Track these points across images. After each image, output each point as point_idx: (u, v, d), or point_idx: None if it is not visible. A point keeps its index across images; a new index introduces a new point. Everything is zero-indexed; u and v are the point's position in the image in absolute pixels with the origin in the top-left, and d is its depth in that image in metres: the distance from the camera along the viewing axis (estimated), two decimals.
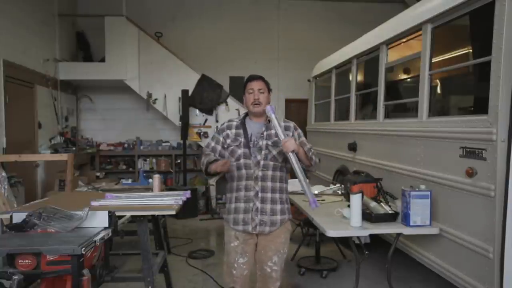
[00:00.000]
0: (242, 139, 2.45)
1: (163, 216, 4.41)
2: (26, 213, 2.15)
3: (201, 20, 8.30)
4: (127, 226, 3.13)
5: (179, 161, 7.79)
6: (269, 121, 2.38)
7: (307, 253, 4.45)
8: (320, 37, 8.29)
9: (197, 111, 7.37)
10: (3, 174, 4.25)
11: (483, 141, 2.52)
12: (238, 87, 7.70)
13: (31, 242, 1.95)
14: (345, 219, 2.94)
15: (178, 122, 7.27)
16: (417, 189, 2.84)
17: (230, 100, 7.45)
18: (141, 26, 7.26)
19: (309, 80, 6.66)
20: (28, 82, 5.83)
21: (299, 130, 2.57)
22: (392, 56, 3.98)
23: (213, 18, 8.33)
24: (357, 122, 4.75)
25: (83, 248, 1.87)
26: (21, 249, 1.87)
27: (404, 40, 3.76)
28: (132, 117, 8.19)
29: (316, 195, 3.79)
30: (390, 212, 2.95)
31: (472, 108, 3.23)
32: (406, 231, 2.84)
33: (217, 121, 7.33)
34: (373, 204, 3.00)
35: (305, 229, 4.72)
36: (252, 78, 2.49)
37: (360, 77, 4.92)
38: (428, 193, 2.83)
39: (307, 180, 2.36)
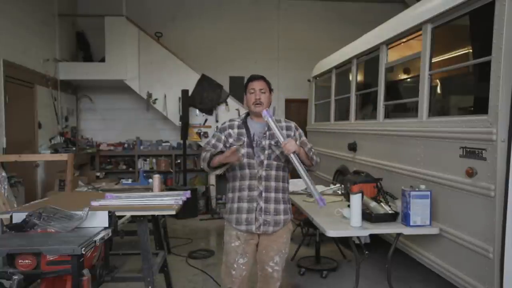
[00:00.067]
0: (245, 139, 2.44)
1: (163, 216, 4.41)
2: (26, 213, 2.16)
3: (201, 20, 8.30)
4: (127, 226, 3.13)
5: (179, 161, 7.79)
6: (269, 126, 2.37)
7: (307, 253, 4.45)
8: (320, 37, 8.29)
9: (197, 111, 7.37)
10: (3, 174, 4.25)
11: (483, 141, 2.52)
12: (238, 87, 7.76)
13: (31, 242, 1.95)
14: (345, 219, 2.94)
15: (178, 122, 7.27)
16: (417, 189, 2.84)
17: (230, 100, 7.45)
18: (141, 26, 7.26)
19: (309, 80, 6.66)
20: (28, 82, 5.83)
21: (300, 130, 2.57)
22: (392, 56, 3.98)
23: (213, 18, 8.33)
24: (357, 122, 4.75)
25: (83, 248, 1.87)
26: (21, 249, 1.87)
27: (404, 40, 3.76)
28: (132, 117, 8.18)
29: None
30: (390, 212, 2.95)
31: (472, 108, 3.23)
32: (406, 231, 2.84)
33: (217, 121, 7.32)
34: (373, 204, 3.00)
35: (305, 229, 4.73)
36: (254, 78, 2.49)
37: (360, 77, 4.92)
38: (428, 193, 2.83)
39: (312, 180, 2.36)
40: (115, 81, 7.13)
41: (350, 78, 4.96)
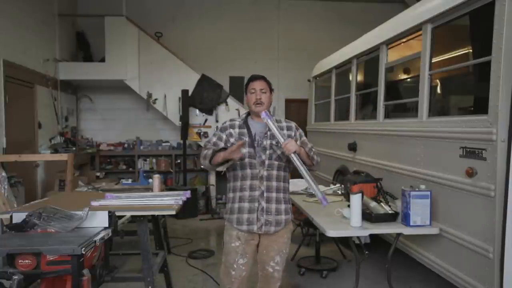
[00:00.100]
0: (246, 139, 2.44)
1: (163, 216, 4.41)
2: (26, 213, 2.16)
3: (201, 20, 8.30)
4: (127, 226, 3.13)
5: (179, 161, 7.78)
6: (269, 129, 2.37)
7: (307, 253, 4.45)
8: (320, 37, 8.28)
9: (197, 111, 7.36)
10: (3, 174, 4.25)
11: (483, 141, 2.52)
12: (238, 87, 7.76)
13: (31, 242, 1.95)
14: (345, 219, 2.94)
15: (178, 122, 7.27)
16: (417, 189, 2.84)
17: (230, 100, 7.45)
18: (141, 26, 7.25)
19: (309, 80, 6.66)
20: (28, 82, 5.83)
21: (300, 130, 2.58)
22: (392, 56, 3.98)
23: (213, 18, 8.33)
24: (357, 122, 4.75)
25: (83, 248, 1.87)
26: (21, 249, 1.87)
27: (404, 40, 3.76)
28: (132, 117, 8.18)
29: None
30: (390, 212, 2.95)
31: (472, 108, 3.23)
32: (406, 231, 2.84)
33: (217, 121, 7.32)
34: (373, 204, 3.00)
35: (305, 229, 4.73)
36: (254, 78, 2.49)
37: (360, 77, 4.92)
38: (428, 193, 2.82)
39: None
40: (115, 81, 7.13)
41: (350, 78, 4.96)
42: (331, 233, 2.76)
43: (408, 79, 4.39)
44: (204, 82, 7.32)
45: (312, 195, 3.86)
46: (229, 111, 7.33)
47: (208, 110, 7.38)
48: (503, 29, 2.36)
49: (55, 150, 6.04)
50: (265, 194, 2.40)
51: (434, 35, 3.19)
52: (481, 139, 2.54)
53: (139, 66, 7.16)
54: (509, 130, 2.32)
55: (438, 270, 3.02)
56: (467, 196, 2.67)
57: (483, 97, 2.57)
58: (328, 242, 4.58)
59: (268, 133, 2.43)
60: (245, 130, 2.46)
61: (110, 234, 2.20)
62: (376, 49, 4.13)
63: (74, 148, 6.54)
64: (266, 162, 2.41)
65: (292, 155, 2.26)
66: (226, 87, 7.73)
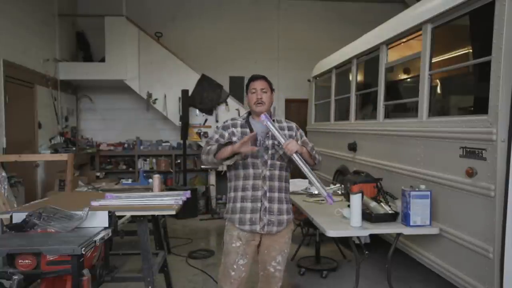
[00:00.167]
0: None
1: (163, 216, 4.41)
2: (26, 213, 2.16)
3: (201, 20, 8.30)
4: (127, 226, 3.13)
5: (179, 161, 7.78)
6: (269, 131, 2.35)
7: (307, 253, 4.45)
8: (320, 37, 8.28)
9: (197, 111, 7.37)
10: (3, 174, 4.25)
11: (483, 141, 2.52)
12: (238, 87, 7.77)
13: (31, 242, 1.95)
14: (345, 219, 2.94)
15: (178, 122, 7.27)
16: (417, 189, 2.84)
17: (230, 100, 7.45)
18: (141, 26, 7.26)
19: (309, 80, 6.66)
20: (28, 82, 5.83)
21: (301, 131, 2.58)
22: (392, 56, 3.98)
23: (213, 18, 8.33)
24: (357, 122, 4.75)
25: (83, 248, 1.87)
26: (21, 249, 1.87)
27: (404, 40, 3.76)
28: (132, 117, 8.18)
29: (316, 195, 3.81)
30: (390, 212, 2.95)
31: (472, 108, 3.23)
32: (406, 231, 2.84)
33: (217, 121, 7.32)
34: (373, 204, 3.00)
35: (305, 229, 4.73)
36: (255, 77, 2.49)
37: (360, 77, 4.92)
38: (428, 193, 2.82)
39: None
40: (115, 81, 7.13)
41: (350, 78, 4.96)
42: (331, 233, 2.76)
43: (408, 79, 4.39)
44: (204, 82, 7.33)
45: (312, 195, 3.86)
46: (229, 111, 7.32)
47: (208, 110, 7.39)
48: (503, 29, 2.36)
49: (55, 150, 6.04)
50: (267, 194, 2.40)
51: (434, 35, 3.19)
52: (481, 139, 2.54)
53: (139, 66, 7.16)
54: (509, 130, 2.32)
55: (438, 270, 3.02)
56: (467, 196, 2.67)
57: (483, 97, 2.57)
58: (328, 242, 4.58)
59: (270, 133, 2.42)
60: (247, 130, 2.45)
61: (110, 234, 2.20)
62: (376, 49, 4.13)
63: (74, 148, 6.54)
64: (269, 162, 2.41)
65: (294, 155, 2.26)
66: (226, 87, 7.73)
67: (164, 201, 2.89)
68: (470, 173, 2.61)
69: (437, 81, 3.85)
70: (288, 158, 2.42)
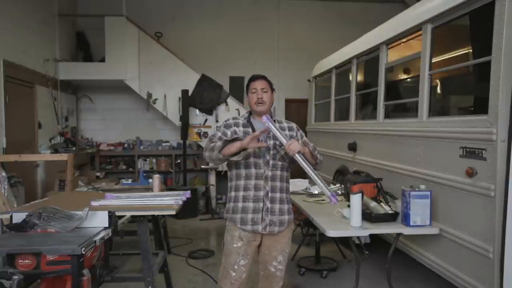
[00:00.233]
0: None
1: (163, 216, 4.41)
2: (26, 213, 2.16)
3: (201, 20, 8.30)
4: (127, 226, 3.13)
5: (179, 161, 7.78)
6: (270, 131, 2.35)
7: (307, 253, 4.45)
8: (320, 37, 8.28)
9: (197, 111, 7.37)
10: (3, 174, 4.25)
11: (483, 141, 2.52)
12: (238, 87, 7.76)
13: (31, 242, 1.95)
14: (345, 219, 2.94)
15: (178, 122, 7.27)
16: (417, 189, 2.84)
17: (230, 100, 7.45)
18: (141, 26, 7.26)
19: (309, 80, 6.66)
20: (28, 82, 5.83)
21: (301, 131, 2.58)
22: (392, 56, 3.98)
23: (213, 18, 8.33)
24: (357, 122, 4.75)
25: (83, 248, 1.87)
26: (21, 249, 1.87)
27: (404, 40, 3.76)
28: (132, 117, 8.18)
29: (316, 195, 3.81)
30: (390, 212, 2.95)
31: (472, 108, 3.23)
32: (406, 231, 2.84)
33: (217, 121, 7.32)
34: (373, 204, 3.00)
35: (305, 229, 4.73)
36: (255, 77, 2.49)
37: (360, 77, 4.92)
38: (428, 193, 2.83)
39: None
40: (115, 81, 7.13)
41: (350, 78, 4.96)
42: (331, 233, 2.76)
43: (408, 79, 4.39)
44: (204, 82, 7.33)
45: (312, 195, 3.86)
46: (229, 111, 7.32)
47: (208, 110, 7.39)
48: (503, 29, 2.36)
49: (55, 150, 6.04)
50: (269, 195, 2.39)
51: (434, 35, 3.19)
52: (481, 139, 2.54)
53: (139, 66, 7.16)
54: (509, 130, 2.32)
55: (438, 270, 3.02)
56: (467, 196, 2.67)
57: (483, 97, 2.57)
58: (328, 242, 4.58)
59: (271, 133, 2.42)
60: (249, 129, 2.45)
61: (110, 234, 2.20)
62: (376, 49, 4.13)
63: (74, 148, 6.54)
64: (271, 162, 2.41)
65: (297, 155, 2.26)
66: (226, 87, 7.73)
67: (164, 201, 2.89)
68: (470, 173, 2.61)
69: (437, 81, 3.85)
70: (289, 159, 2.42)
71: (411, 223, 2.80)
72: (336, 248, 4.48)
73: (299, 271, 4.04)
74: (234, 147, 2.26)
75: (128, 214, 2.80)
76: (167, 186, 7.01)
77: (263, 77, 2.49)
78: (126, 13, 7.11)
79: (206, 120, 7.43)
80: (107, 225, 2.22)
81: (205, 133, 7.35)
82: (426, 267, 3.23)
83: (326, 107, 5.85)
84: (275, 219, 2.40)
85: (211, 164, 7.12)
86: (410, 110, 3.78)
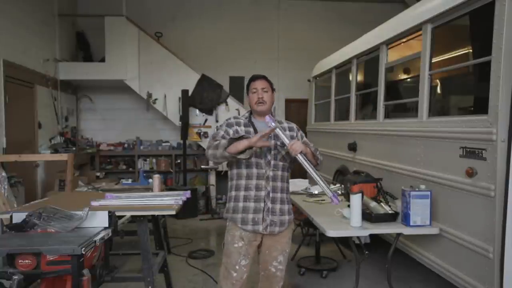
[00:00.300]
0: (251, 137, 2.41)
1: (163, 216, 4.41)
2: (26, 213, 2.16)
3: (201, 20, 8.30)
4: (127, 226, 3.13)
5: (179, 161, 7.78)
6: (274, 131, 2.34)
7: (307, 253, 4.45)
8: (320, 37, 8.28)
9: (197, 111, 7.37)
10: (3, 174, 4.25)
11: (483, 141, 2.52)
12: (238, 87, 7.76)
13: (31, 242, 1.95)
14: (345, 219, 2.94)
15: (178, 122, 7.27)
16: (417, 189, 2.84)
17: (230, 100, 7.44)
18: (141, 26, 7.26)
19: (309, 80, 6.66)
20: (28, 82, 5.83)
21: (301, 132, 2.59)
22: (392, 56, 3.98)
23: (213, 18, 8.33)
24: (357, 122, 4.75)
25: (83, 248, 1.87)
26: (21, 249, 1.87)
27: (404, 40, 3.76)
28: (132, 117, 8.18)
29: (316, 195, 3.81)
30: (390, 212, 2.95)
31: (472, 108, 3.23)
32: (406, 231, 2.84)
33: (217, 121, 7.32)
34: (373, 204, 3.00)
35: (305, 229, 4.73)
36: (256, 77, 2.49)
37: (360, 77, 4.92)
38: (428, 193, 2.82)
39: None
40: (115, 81, 7.13)
41: (350, 78, 4.96)
42: (331, 233, 2.76)
43: (408, 79, 4.39)
44: (204, 82, 7.32)
45: (312, 195, 3.86)
46: (229, 111, 7.32)
47: (208, 110, 7.38)
48: (503, 29, 2.36)
49: (55, 150, 6.04)
50: (271, 195, 2.39)
51: (434, 35, 3.19)
52: (481, 139, 2.54)
53: (139, 66, 7.16)
54: (509, 130, 2.32)
55: (438, 270, 3.02)
56: (467, 196, 2.67)
57: (483, 97, 2.57)
58: (328, 242, 4.58)
59: (273, 133, 2.41)
60: (251, 129, 2.44)
61: (110, 234, 2.20)
62: (376, 49, 4.13)
63: (74, 148, 6.54)
64: (272, 162, 2.41)
65: (299, 155, 2.26)
66: (226, 87, 7.73)
67: (164, 201, 2.89)
68: (470, 173, 2.61)
69: (437, 81, 3.85)
70: (290, 159, 2.42)
71: (411, 223, 2.80)
72: (336, 248, 4.48)
73: (299, 271, 4.04)
74: (241, 145, 2.23)
75: (128, 214, 2.80)
76: (167, 186, 7.01)
77: (264, 77, 2.50)
78: (126, 13, 7.11)
79: (206, 120, 7.43)
80: (107, 225, 2.22)
81: (205, 133, 7.36)
82: (426, 267, 3.23)
83: (326, 107, 5.85)
84: (276, 219, 2.39)
85: (211, 164, 7.15)
86: (410, 110, 3.78)
